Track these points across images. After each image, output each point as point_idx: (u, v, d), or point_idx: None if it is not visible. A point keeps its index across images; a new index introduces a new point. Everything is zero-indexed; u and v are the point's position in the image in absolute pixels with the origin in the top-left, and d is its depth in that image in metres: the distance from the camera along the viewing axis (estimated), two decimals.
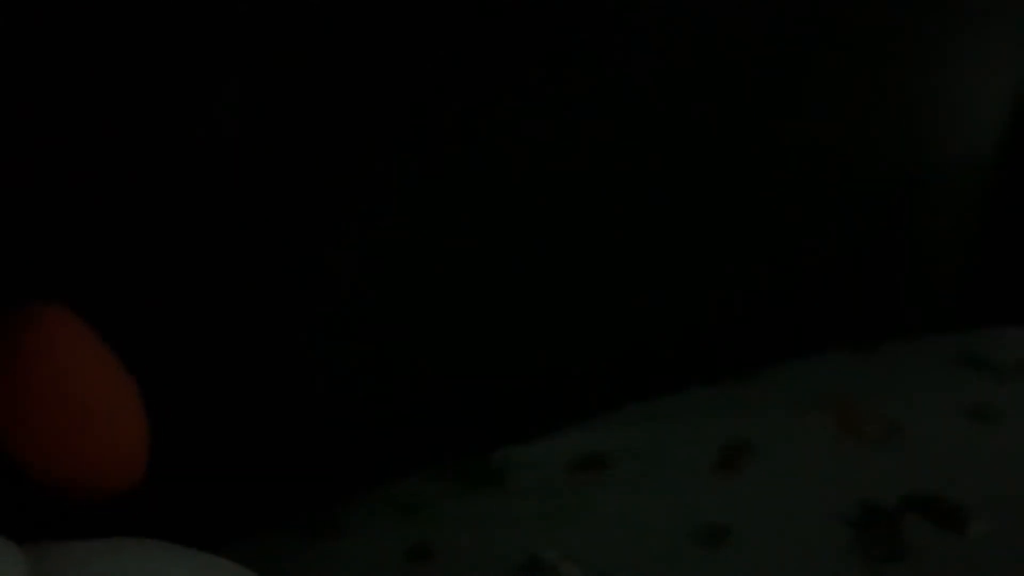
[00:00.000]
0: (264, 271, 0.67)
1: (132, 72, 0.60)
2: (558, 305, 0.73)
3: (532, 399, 0.73)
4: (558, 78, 0.68)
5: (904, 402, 0.69)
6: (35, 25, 0.57)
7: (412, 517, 0.67)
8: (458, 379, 0.72)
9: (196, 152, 0.63)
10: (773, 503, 0.64)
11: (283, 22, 0.62)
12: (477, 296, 0.71)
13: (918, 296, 0.78)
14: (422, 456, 0.71)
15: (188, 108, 0.62)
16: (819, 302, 0.76)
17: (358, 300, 0.69)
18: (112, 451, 0.51)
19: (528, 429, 0.71)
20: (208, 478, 0.68)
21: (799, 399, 0.70)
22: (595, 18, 0.68)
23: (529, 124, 0.68)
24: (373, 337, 0.70)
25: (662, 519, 0.64)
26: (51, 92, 0.59)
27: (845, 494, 0.64)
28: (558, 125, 0.69)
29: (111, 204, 0.62)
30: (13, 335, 0.49)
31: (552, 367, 0.73)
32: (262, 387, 0.69)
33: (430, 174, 0.68)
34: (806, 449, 0.67)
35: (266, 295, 0.68)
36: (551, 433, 0.70)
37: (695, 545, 0.62)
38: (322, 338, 0.69)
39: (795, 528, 0.63)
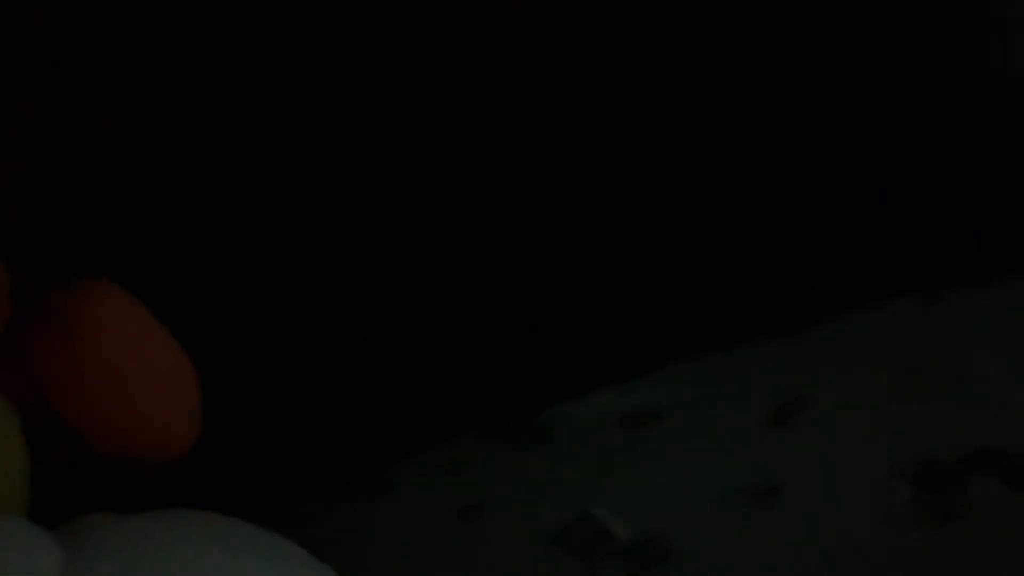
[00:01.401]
0: (305, 238, 0.67)
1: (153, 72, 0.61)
2: (606, 259, 0.71)
3: (581, 356, 0.72)
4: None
5: (970, 350, 0.66)
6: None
7: (462, 476, 0.67)
8: (506, 336, 0.71)
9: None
10: (827, 460, 0.62)
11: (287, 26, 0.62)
12: (524, 253, 0.70)
13: (983, 241, 0.75)
14: (471, 415, 0.71)
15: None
16: (879, 249, 0.74)
17: (404, 261, 0.69)
18: (166, 419, 0.52)
19: (577, 386, 0.70)
20: (258, 443, 0.68)
21: (856, 351, 0.67)
22: None
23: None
24: (420, 296, 0.70)
25: (713, 477, 0.62)
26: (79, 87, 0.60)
27: (904, 450, 0.61)
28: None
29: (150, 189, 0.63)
30: (65, 309, 0.51)
31: (601, 323, 0.72)
32: (310, 351, 0.69)
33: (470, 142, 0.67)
34: (863, 403, 0.64)
35: (311, 258, 0.68)
36: (600, 390, 0.69)
37: (747, 503, 0.61)
38: (371, 299, 0.69)
39: (851, 486, 0.61)
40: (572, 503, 0.63)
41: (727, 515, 0.61)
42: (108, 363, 0.51)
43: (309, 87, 0.65)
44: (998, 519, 0.58)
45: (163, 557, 0.44)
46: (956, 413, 0.63)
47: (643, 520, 0.61)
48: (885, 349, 0.67)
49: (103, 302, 0.51)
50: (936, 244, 0.74)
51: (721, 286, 0.73)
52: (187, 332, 0.54)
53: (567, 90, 0.68)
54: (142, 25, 0.63)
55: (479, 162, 0.69)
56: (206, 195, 0.66)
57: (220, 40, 0.64)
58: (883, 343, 0.67)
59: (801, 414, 0.64)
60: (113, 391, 0.51)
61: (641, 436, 0.66)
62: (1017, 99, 0.74)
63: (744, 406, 0.66)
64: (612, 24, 0.68)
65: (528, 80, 0.68)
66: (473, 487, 0.66)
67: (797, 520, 0.60)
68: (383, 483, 0.68)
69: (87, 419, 0.51)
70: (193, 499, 0.52)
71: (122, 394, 0.51)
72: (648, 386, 0.69)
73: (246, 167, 0.67)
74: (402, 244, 0.69)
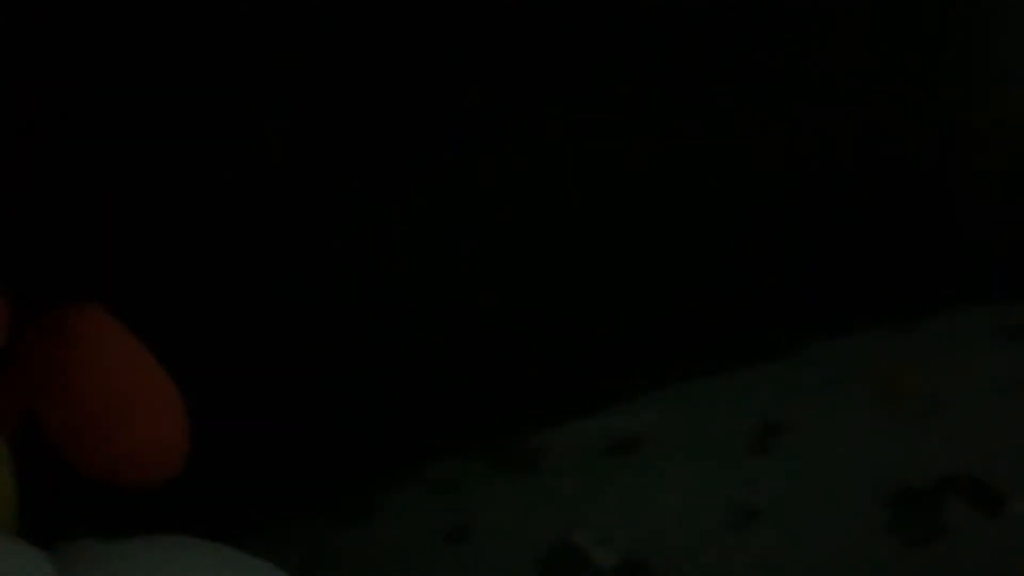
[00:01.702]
0: (290, 257, 0.68)
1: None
2: (593, 286, 0.72)
3: (568, 381, 0.73)
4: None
5: (945, 377, 0.67)
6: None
7: (449, 499, 0.67)
8: (494, 360, 0.72)
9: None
10: (807, 484, 0.63)
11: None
12: (513, 277, 0.71)
13: (960, 268, 0.76)
14: (458, 438, 0.71)
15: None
16: (859, 276, 0.75)
17: (391, 278, 0.70)
18: (154, 443, 0.53)
19: (565, 411, 0.71)
20: (243, 466, 0.69)
21: (836, 377, 0.68)
22: None
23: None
24: (407, 317, 0.70)
25: (697, 502, 0.63)
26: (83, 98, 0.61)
27: (882, 474, 0.63)
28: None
29: (144, 210, 0.64)
30: (55, 333, 0.52)
31: (588, 349, 0.73)
32: (294, 374, 0.70)
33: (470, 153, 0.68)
34: (842, 428, 0.66)
35: (296, 280, 0.69)
36: (587, 415, 0.70)
37: (729, 528, 0.62)
38: (355, 318, 0.70)
39: (830, 509, 0.62)
40: (556, 528, 0.64)
41: (709, 540, 0.62)
42: (99, 385, 0.51)
43: (305, 87, 0.65)
44: (970, 543, 0.59)
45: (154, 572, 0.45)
46: (932, 439, 0.64)
47: (626, 546, 0.62)
48: (865, 375, 0.68)
49: (96, 325, 0.52)
50: (915, 271, 0.76)
51: (703, 313, 0.74)
52: (172, 354, 0.55)
53: (561, 101, 0.68)
54: (140, 33, 0.63)
55: (463, 185, 0.69)
56: (191, 207, 0.66)
57: (223, 45, 0.64)
58: (863, 370, 0.69)
59: (782, 439, 0.66)
60: (103, 413, 0.51)
61: (627, 461, 0.67)
62: (986, 138, 0.75)
63: (726, 432, 0.67)
64: (612, 23, 0.68)
65: (522, 90, 0.68)
66: (458, 510, 0.66)
67: (777, 543, 0.61)
68: (368, 505, 0.68)
69: (75, 440, 0.52)
70: (175, 523, 0.52)
71: (112, 417, 0.51)
72: (635, 412, 0.70)
73: (237, 175, 0.67)
74: (389, 265, 0.70)
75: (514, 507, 0.66)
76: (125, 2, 0.62)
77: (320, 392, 0.70)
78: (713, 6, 0.68)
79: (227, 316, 0.67)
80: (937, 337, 0.71)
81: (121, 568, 0.45)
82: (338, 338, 0.70)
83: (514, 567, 0.63)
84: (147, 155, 0.65)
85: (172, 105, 0.63)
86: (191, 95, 0.63)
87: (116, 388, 0.51)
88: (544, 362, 0.73)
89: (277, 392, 0.69)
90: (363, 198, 0.67)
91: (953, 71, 0.74)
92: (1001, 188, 0.77)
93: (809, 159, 0.73)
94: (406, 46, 0.66)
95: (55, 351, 0.51)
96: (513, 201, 0.70)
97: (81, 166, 0.64)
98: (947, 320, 0.71)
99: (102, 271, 0.64)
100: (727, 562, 0.61)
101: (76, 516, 0.54)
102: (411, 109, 0.66)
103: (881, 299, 0.74)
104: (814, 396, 0.68)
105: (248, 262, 0.67)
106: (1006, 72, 0.75)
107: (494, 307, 0.71)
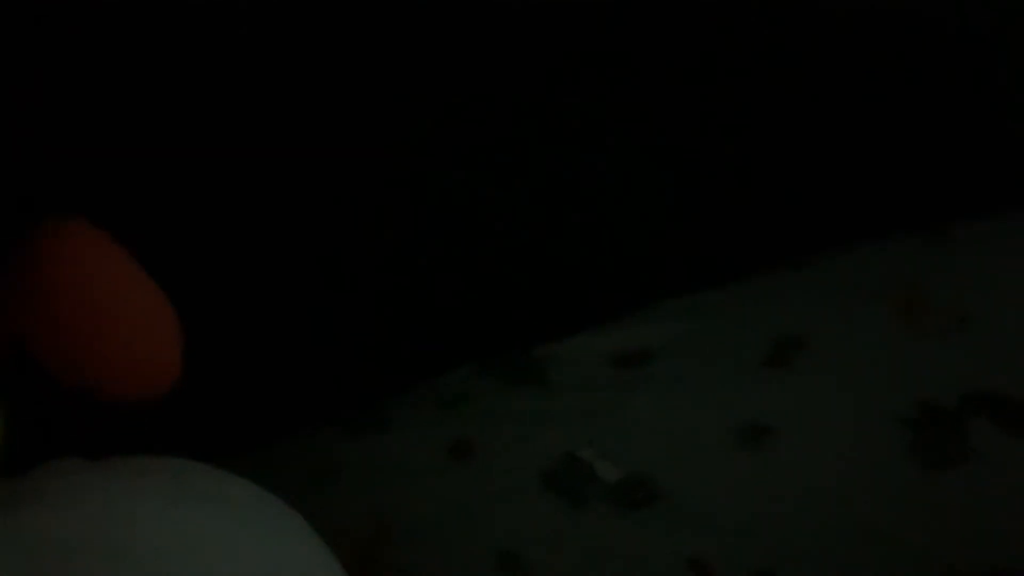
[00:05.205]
0: (300, 173, 0.66)
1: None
2: (601, 193, 0.69)
3: (575, 293, 0.70)
4: None
5: (974, 291, 0.64)
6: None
7: (455, 413, 0.66)
8: (501, 273, 0.70)
9: None
10: (824, 402, 0.60)
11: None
12: (518, 191, 0.69)
13: (1003, 169, 0.72)
14: (465, 352, 0.69)
15: None
16: (885, 181, 0.71)
17: (402, 199, 0.68)
18: (140, 354, 0.51)
19: (571, 324, 0.68)
20: (254, 376, 0.68)
21: (857, 289, 0.65)
22: None
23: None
24: (415, 233, 0.69)
25: (704, 418, 0.61)
26: None
27: (903, 392, 0.60)
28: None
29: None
30: (36, 247, 0.50)
31: (596, 259, 0.70)
32: (305, 286, 0.68)
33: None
34: (863, 343, 0.62)
35: (304, 191, 0.67)
36: (594, 328, 0.68)
37: (737, 446, 0.59)
38: (364, 233, 0.68)
39: (846, 429, 0.59)
40: (561, 443, 0.62)
41: (716, 458, 0.60)
42: (80, 299, 0.50)
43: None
44: (995, 466, 0.56)
45: (116, 509, 0.44)
46: (957, 355, 0.61)
47: (630, 461, 0.60)
48: (887, 287, 0.65)
49: (75, 240, 0.51)
50: (946, 177, 0.71)
51: (718, 218, 0.71)
52: (168, 267, 0.53)
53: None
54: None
55: (481, 115, 0.67)
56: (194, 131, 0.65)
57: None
58: (885, 281, 0.65)
59: (797, 354, 0.63)
60: (87, 327, 0.50)
61: (634, 376, 0.64)
62: None
63: (738, 346, 0.64)
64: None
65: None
66: (465, 424, 0.65)
67: (788, 464, 0.58)
68: (375, 419, 0.67)
69: (60, 355, 0.51)
70: (173, 442, 0.52)
71: (96, 330, 0.50)
72: (642, 325, 0.67)
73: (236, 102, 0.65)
74: (402, 182, 0.68)
75: (521, 421, 0.64)
76: None
77: (329, 308, 0.69)
78: None
79: (239, 232, 0.66)
80: (967, 248, 0.67)
81: (87, 496, 0.44)
82: (348, 253, 0.68)
83: (518, 480, 0.61)
84: (136, 70, 0.63)
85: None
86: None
87: (98, 301, 0.50)
88: (551, 276, 0.70)
89: (286, 309, 0.68)
90: (376, 109, 0.66)
91: None
92: None
93: (834, 59, 0.69)
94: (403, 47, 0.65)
95: (36, 267, 0.50)
96: (523, 120, 0.68)
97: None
98: (979, 230, 0.67)
99: (97, 187, 0.63)
100: (735, 480, 0.58)
101: (66, 439, 0.53)
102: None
103: (912, 204, 0.70)
104: (833, 308, 0.64)
105: (258, 174, 0.66)
106: None
107: (503, 221, 0.69)
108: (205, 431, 0.59)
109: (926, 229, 0.68)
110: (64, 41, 0.62)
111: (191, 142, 0.65)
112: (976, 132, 0.72)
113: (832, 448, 0.59)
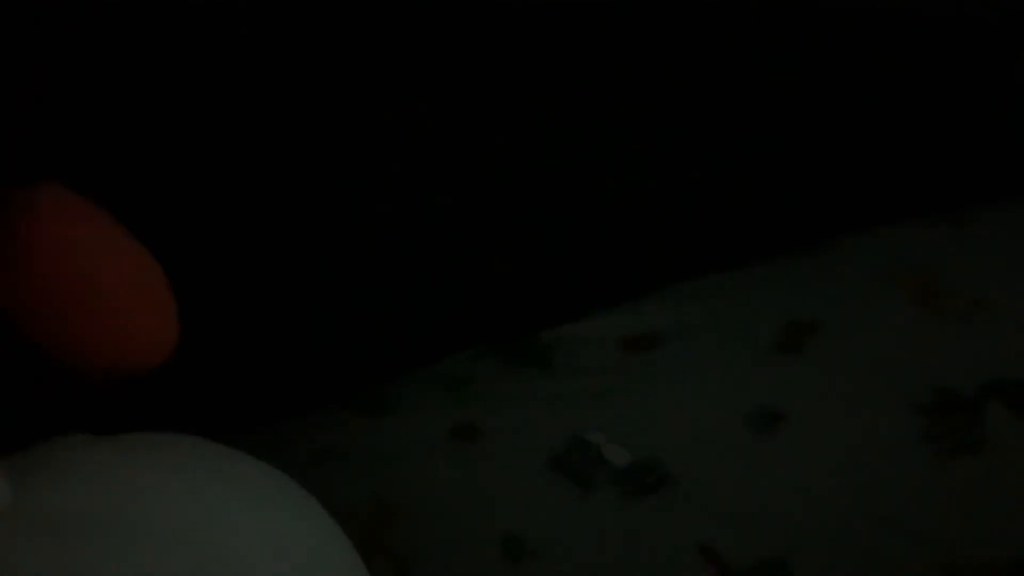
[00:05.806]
0: (304, 148, 0.65)
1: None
2: (612, 173, 0.69)
3: (585, 275, 0.70)
4: None
5: (990, 276, 0.63)
6: None
7: (460, 395, 0.65)
8: (509, 256, 0.69)
9: None
10: (837, 388, 0.60)
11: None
12: (529, 173, 0.68)
13: (1012, 158, 0.71)
14: (471, 334, 0.69)
15: None
16: (905, 165, 0.70)
17: (411, 178, 0.68)
18: (130, 320, 0.50)
19: (580, 307, 0.68)
20: (259, 357, 0.67)
21: (872, 273, 0.64)
22: None
23: None
24: (422, 215, 0.68)
25: (715, 403, 0.60)
26: None
27: (919, 378, 0.59)
28: None
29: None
30: (10, 216, 0.48)
31: (605, 239, 0.70)
32: (310, 267, 0.68)
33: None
34: (878, 329, 0.62)
35: (311, 165, 0.66)
36: (602, 311, 0.67)
37: (747, 431, 0.59)
38: (369, 211, 0.68)
39: (859, 415, 0.58)
40: (568, 426, 0.61)
41: (726, 443, 0.59)
42: (60, 265, 0.48)
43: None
44: (1012, 454, 0.55)
45: (122, 485, 0.43)
46: (975, 341, 0.60)
47: (639, 446, 0.60)
48: (903, 272, 0.64)
49: (50, 204, 0.49)
50: (963, 162, 0.71)
51: (731, 200, 0.70)
52: (165, 236, 0.52)
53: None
54: None
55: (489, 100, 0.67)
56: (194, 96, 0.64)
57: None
58: (901, 266, 0.64)
59: (810, 339, 0.62)
60: (70, 294, 0.48)
61: (642, 359, 0.64)
62: None
63: (750, 330, 0.63)
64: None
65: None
66: (470, 406, 0.64)
67: (799, 451, 0.58)
68: (382, 399, 0.66)
69: (48, 330, 0.49)
70: (175, 422, 0.51)
71: (80, 297, 0.48)
72: (651, 308, 0.66)
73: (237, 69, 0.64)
74: (410, 165, 0.67)
75: (525, 405, 0.63)
76: None
77: (335, 289, 0.68)
78: None
79: (244, 214, 0.66)
80: (988, 232, 0.66)
81: (91, 472, 0.43)
82: (354, 234, 0.68)
83: (525, 464, 0.60)
84: (136, 71, 0.62)
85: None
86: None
87: (81, 268, 0.48)
88: (560, 258, 0.70)
89: (291, 290, 0.68)
90: (382, 89, 0.65)
91: None
92: None
93: (854, 40, 0.68)
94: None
95: (10, 236, 0.48)
96: (529, 103, 0.67)
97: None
98: (1001, 215, 0.66)
99: (88, 157, 0.62)
100: (744, 467, 0.58)
101: (71, 417, 0.52)
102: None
103: (929, 189, 0.70)
104: (847, 293, 0.64)
105: (261, 151, 0.66)
106: None
107: (511, 204, 0.68)
108: (208, 411, 0.58)
109: (943, 214, 0.67)
110: (60, 33, 0.61)
111: (201, 131, 0.65)
112: (993, 118, 0.71)
113: (844, 435, 0.58)
